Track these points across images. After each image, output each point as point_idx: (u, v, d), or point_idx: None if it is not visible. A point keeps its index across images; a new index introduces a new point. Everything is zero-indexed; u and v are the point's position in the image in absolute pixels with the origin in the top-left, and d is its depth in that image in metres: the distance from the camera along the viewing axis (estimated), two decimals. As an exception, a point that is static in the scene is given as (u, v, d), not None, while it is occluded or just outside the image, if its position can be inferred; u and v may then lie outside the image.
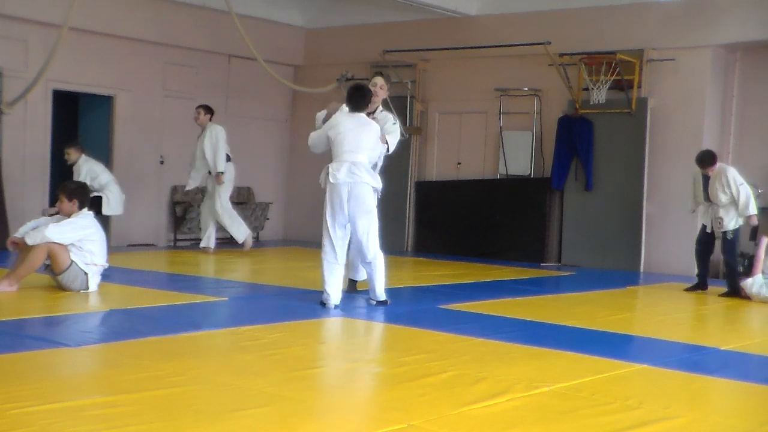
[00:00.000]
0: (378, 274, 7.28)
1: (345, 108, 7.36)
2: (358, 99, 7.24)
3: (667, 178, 11.56)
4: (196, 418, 3.80)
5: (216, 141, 11.29)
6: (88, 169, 10.89)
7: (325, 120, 7.45)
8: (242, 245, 11.49)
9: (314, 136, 7.37)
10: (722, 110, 11.73)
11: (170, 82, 13.01)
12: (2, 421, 3.59)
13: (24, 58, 11.31)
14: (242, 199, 13.80)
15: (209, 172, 11.41)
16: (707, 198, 9.31)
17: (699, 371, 5.26)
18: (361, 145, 7.12)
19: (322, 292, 7.17)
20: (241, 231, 11.48)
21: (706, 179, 9.34)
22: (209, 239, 11.54)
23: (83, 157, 10.97)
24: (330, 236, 7.11)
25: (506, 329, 6.45)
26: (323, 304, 7.11)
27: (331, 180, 7.04)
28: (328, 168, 7.11)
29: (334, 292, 7.13)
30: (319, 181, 7.29)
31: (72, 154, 10.96)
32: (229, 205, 11.50)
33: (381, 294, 7.30)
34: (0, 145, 11.15)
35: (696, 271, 9.60)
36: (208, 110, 11.55)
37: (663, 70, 11.57)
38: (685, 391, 4.80)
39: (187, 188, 11.75)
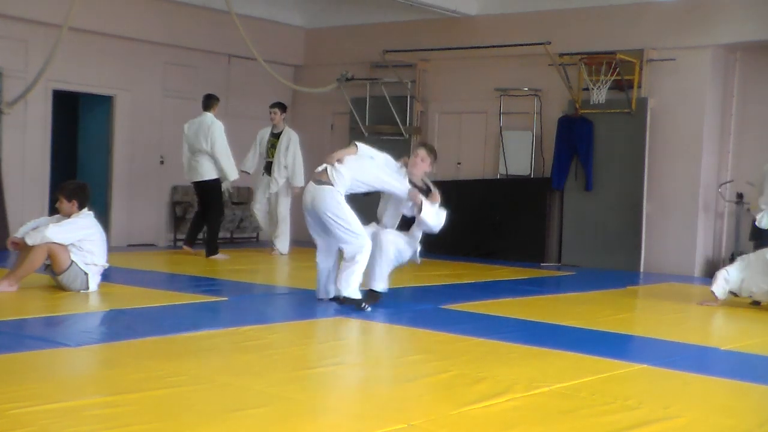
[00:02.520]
0: None
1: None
2: None
3: (667, 178, 11.56)
4: (196, 418, 3.80)
5: (296, 150, 11.46)
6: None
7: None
8: (278, 252, 11.56)
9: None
10: (722, 110, 11.73)
11: (170, 82, 13.01)
12: (2, 421, 3.58)
13: (24, 58, 11.32)
14: (242, 199, 13.81)
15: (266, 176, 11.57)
16: None
17: (699, 371, 5.26)
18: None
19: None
20: (286, 244, 11.56)
21: None
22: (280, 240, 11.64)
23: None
24: None
25: (506, 329, 6.45)
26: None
27: None
28: None
29: None
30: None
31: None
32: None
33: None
34: (0, 145, 11.15)
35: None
36: (284, 110, 11.59)
37: (663, 70, 11.57)
38: (685, 391, 4.80)
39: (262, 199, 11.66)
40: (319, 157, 14.56)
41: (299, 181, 11.37)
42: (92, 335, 5.69)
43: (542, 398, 4.39)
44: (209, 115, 10.80)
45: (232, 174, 10.82)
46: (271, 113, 11.57)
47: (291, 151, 11.42)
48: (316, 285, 7.50)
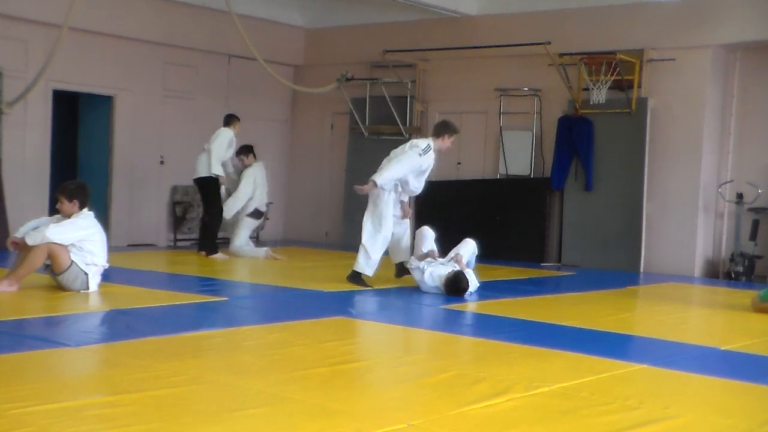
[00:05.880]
0: None
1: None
2: None
3: (667, 178, 11.56)
4: (196, 418, 3.80)
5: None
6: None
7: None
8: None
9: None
10: (722, 110, 11.73)
11: (170, 82, 13.01)
12: (2, 421, 3.59)
13: (24, 58, 11.32)
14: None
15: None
16: None
17: (699, 371, 5.26)
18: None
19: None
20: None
21: None
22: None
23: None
24: None
25: (506, 329, 6.45)
26: None
27: None
28: None
29: None
30: None
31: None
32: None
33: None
34: (0, 145, 11.15)
35: None
36: (251, 151, 11.53)
37: (663, 70, 11.57)
38: (685, 391, 4.80)
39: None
40: (318, 156, 14.66)
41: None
42: (92, 335, 5.69)
43: (542, 398, 4.39)
44: (226, 128, 11.15)
45: (214, 169, 10.86)
46: (239, 161, 11.45)
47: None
48: None
